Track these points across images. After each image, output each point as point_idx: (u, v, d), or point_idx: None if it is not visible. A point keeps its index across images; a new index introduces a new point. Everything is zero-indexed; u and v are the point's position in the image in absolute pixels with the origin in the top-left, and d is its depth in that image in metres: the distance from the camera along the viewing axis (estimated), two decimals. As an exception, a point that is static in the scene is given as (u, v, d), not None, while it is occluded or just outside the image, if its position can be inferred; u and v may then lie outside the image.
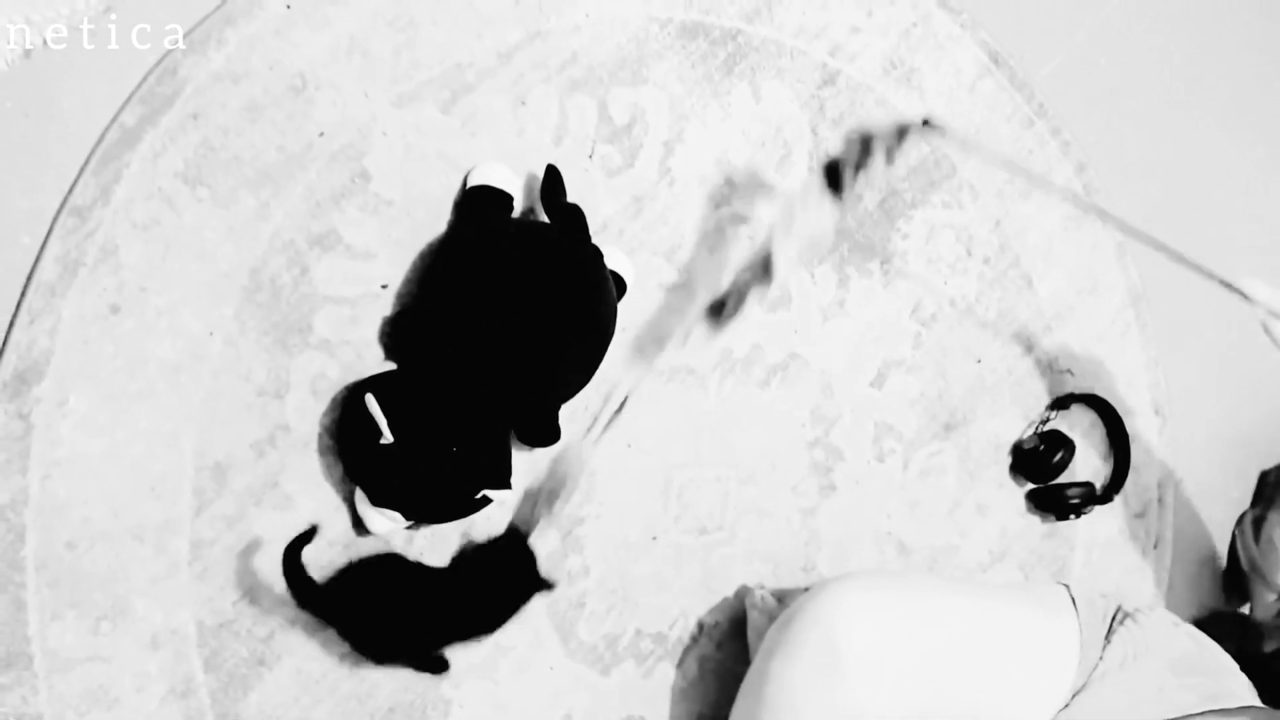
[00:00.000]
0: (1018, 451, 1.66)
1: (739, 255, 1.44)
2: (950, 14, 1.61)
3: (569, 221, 1.29)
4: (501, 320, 1.21)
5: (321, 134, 1.27)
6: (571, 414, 1.36)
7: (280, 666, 1.25)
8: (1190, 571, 1.80)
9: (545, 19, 1.38)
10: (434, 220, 1.32)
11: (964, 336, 1.61)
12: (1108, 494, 1.68)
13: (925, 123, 1.32)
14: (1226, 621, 1.78)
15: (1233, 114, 1.87)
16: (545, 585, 1.28)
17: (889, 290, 1.57)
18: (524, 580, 1.28)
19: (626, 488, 1.41)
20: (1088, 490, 1.64)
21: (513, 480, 1.28)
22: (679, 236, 1.44)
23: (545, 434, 1.31)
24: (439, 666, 1.29)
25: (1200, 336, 1.81)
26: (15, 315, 1.17)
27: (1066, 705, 1.19)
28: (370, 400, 1.17)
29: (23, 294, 1.17)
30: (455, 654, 1.31)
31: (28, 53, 1.17)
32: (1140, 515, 1.74)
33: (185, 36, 1.23)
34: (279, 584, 1.20)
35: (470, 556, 1.30)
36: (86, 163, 1.20)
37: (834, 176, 1.31)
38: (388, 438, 1.17)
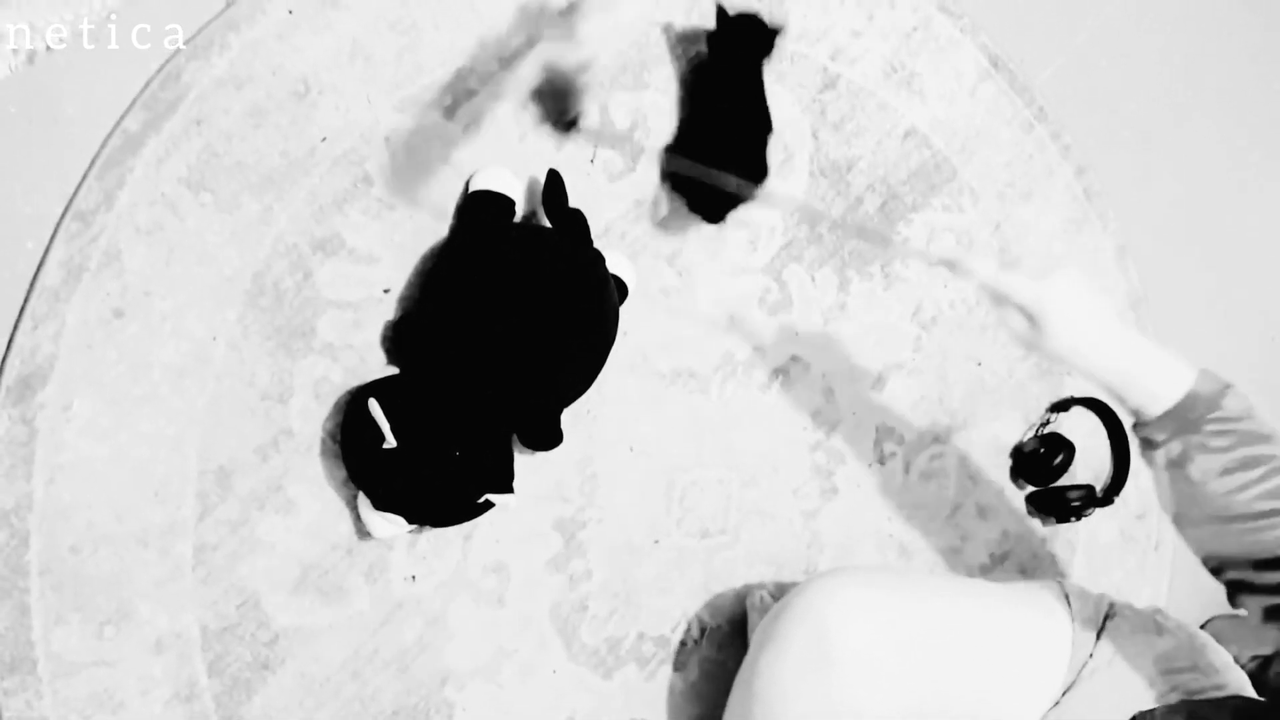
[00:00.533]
0: (1018, 454, 1.66)
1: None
2: (951, 18, 1.62)
3: (571, 226, 1.29)
4: (503, 325, 1.21)
5: (324, 139, 1.27)
6: (574, 416, 1.36)
7: (284, 670, 1.26)
8: (1193, 574, 1.80)
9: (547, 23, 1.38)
10: (437, 224, 1.32)
11: (964, 339, 1.62)
12: (1108, 496, 1.68)
13: None
14: (1229, 624, 1.78)
15: (1233, 116, 1.87)
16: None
17: (889, 294, 1.57)
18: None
19: (629, 491, 1.42)
20: (1088, 493, 1.65)
21: (515, 485, 1.28)
22: (680, 241, 1.44)
23: (548, 437, 1.31)
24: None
25: (1200, 339, 1.81)
26: (19, 320, 1.17)
27: (1057, 703, 1.19)
28: (373, 405, 1.18)
29: (26, 299, 1.18)
30: (459, 659, 1.31)
31: (31, 58, 1.17)
32: (1141, 517, 1.74)
33: (188, 42, 1.24)
34: (281, 588, 1.21)
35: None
36: (90, 168, 1.20)
37: None
38: (390, 442, 1.17)
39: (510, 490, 1.26)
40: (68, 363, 1.18)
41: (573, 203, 1.33)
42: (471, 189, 1.31)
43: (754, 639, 1.25)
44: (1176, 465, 1.06)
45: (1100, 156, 1.73)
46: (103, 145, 1.21)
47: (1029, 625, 1.23)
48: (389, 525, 1.24)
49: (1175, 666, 1.23)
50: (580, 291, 1.25)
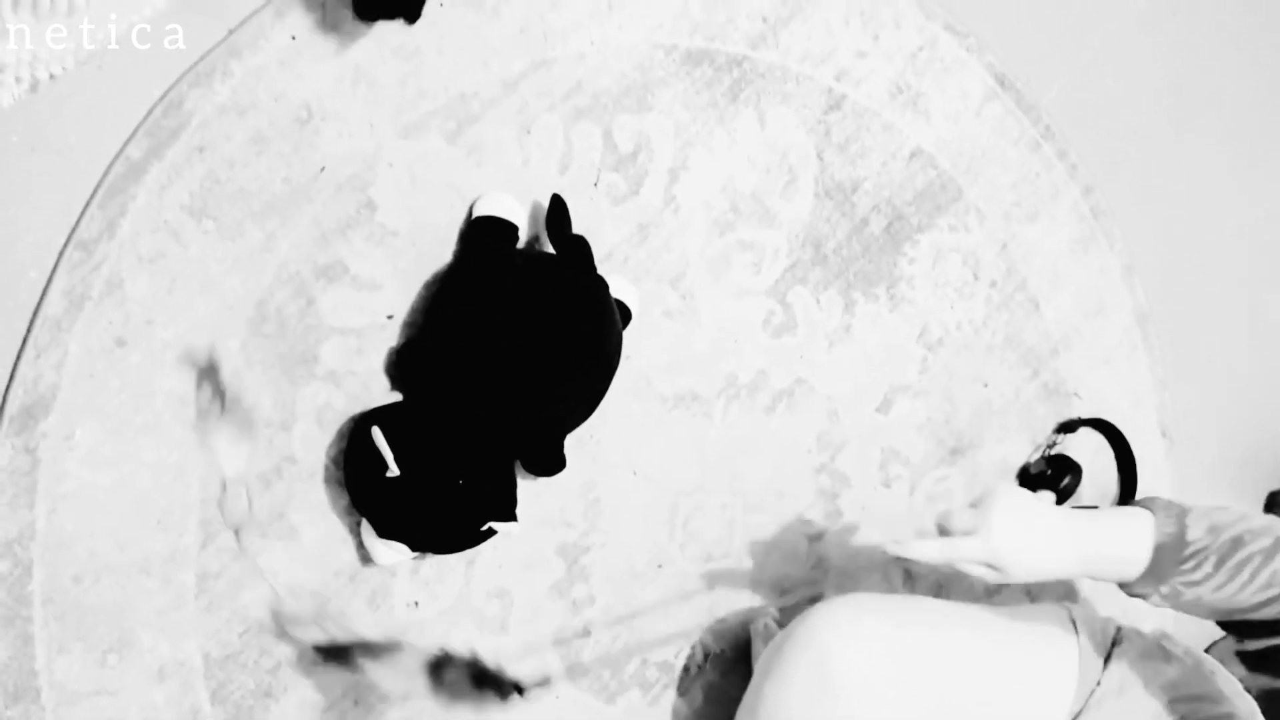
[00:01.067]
0: (1025, 476, 1.65)
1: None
2: (957, 37, 1.61)
3: (574, 252, 1.29)
4: (506, 352, 1.21)
5: (323, 169, 1.27)
6: (577, 441, 1.36)
7: (286, 698, 1.26)
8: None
9: (550, 47, 1.38)
10: (440, 250, 1.32)
11: (971, 361, 1.61)
12: (1115, 518, 1.67)
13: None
14: (1230, 654, 1.77)
15: (1240, 134, 1.86)
16: None
17: (895, 315, 1.56)
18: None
19: (632, 516, 1.41)
20: (1095, 514, 1.64)
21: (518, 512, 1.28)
22: (684, 264, 1.44)
23: (551, 463, 1.30)
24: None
25: (1207, 357, 1.80)
26: (22, 349, 1.18)
27: None
28: (377, 433, 1.17)
29: (29, 328, 1.18)
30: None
31: (34, 86, 1.17)
32: (1148, 538, 1.73)
33: (191, 69, 1.23)
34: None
35: None
36: (93, 196, 1.20)
37: None
38: (394, 471, 1.17)
39: (514, 518, 1.26)
40: (70, 392, 1.18)
41: (576, 226, 1.33)
42: (475, 215, 1.31)
43: (757, 667, 1.25)
44: (1171, 600, 1.12)
45: (1106, 174, 1.72)
46: (105, 173, 1.21)
47: (1035, 652, 1.22)
48: (392, 553, 1.24)
49: (1184, 694, 1.22)
50: (583, 319, 1.25)
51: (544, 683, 1.16)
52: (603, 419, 1.35)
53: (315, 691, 1.27)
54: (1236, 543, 1.08)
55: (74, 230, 1.19)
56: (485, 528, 1.24)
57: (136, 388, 1.20)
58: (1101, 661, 1.24)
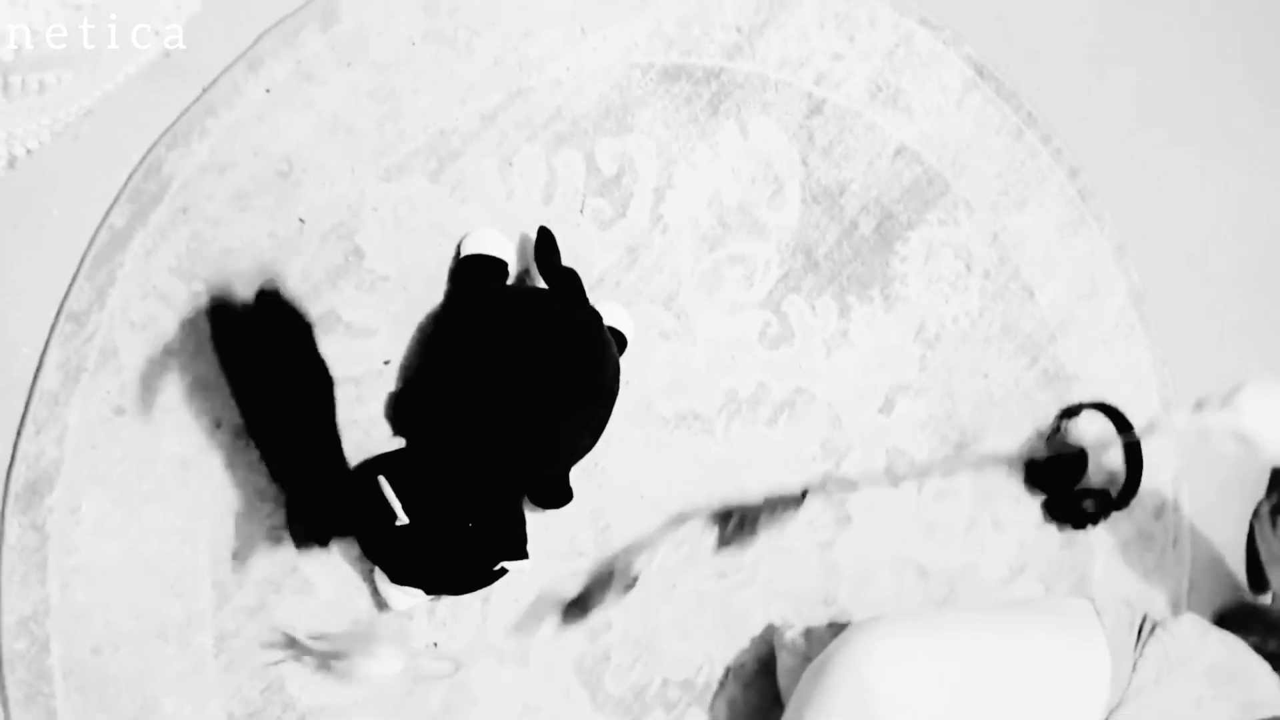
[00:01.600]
0: (1031, 464, 1.66)
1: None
2: (932, 31, 1.60)
3: (565, 286, 1.29)
4: (505, 392, 1.21)
5: (302, 221, 1.26)
6: (582, 471, 1.35)
7: (312, 750, 1.26)
8: (1211, 567, 1.81)
9: (526, 77, 1.37)
10: (431, 291, 1.32)
11: (969, 354, 1.61)
12: (1123, 499, 1.68)
13: (803, 494, 1.45)
14: (1248, 615, 1.78)
15: (1225, 111, 1.86)
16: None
17: (891, 315, 1.56)
18: None
19: (643, 540, 1.41)
20: (1103, 497, 1.64)
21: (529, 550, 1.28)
22: (676, 283, 1.44)
23: (558, 496, 1.31)
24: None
25: (1204, 331, 1.80)
26: (21, 426, 1.17)
27: None
28: (383, 483, 1.17)
29: (27, 405, 1.17)
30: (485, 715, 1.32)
31: (11, 163, 1.17)
32: (1157, 516, 1.74)
33: (169, 130, 1.23)
34: (304, 669, 1.22)
35: None
36: (79, 267, 1.19)
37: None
38: (403, 519, 1.17)
39: (525, 556, 1.26)
40: (73, 465, 1.18)
41: (565, 253, 1.32)
42: (463, 254, 1.31)
43: (794, 697, 1.26)
44: None
45: (1092, 156, 1.72)
46: (90, 243, 1.20)
47: (1066, 652, 1.24)
48: (408, 598, 1.24)
49: (1222, 679, 1.24)
50: (579, 354, 1.25)
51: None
52: (607, 445, 1.35)
53: (341, 740, 1.27)
54: None
55: (63, 302, 1.19)
56: (498, 567, 1.24)
57: (139, 455, 1.20)
58: (1133, 651, 1.25)
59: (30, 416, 1.17)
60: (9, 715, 1.16)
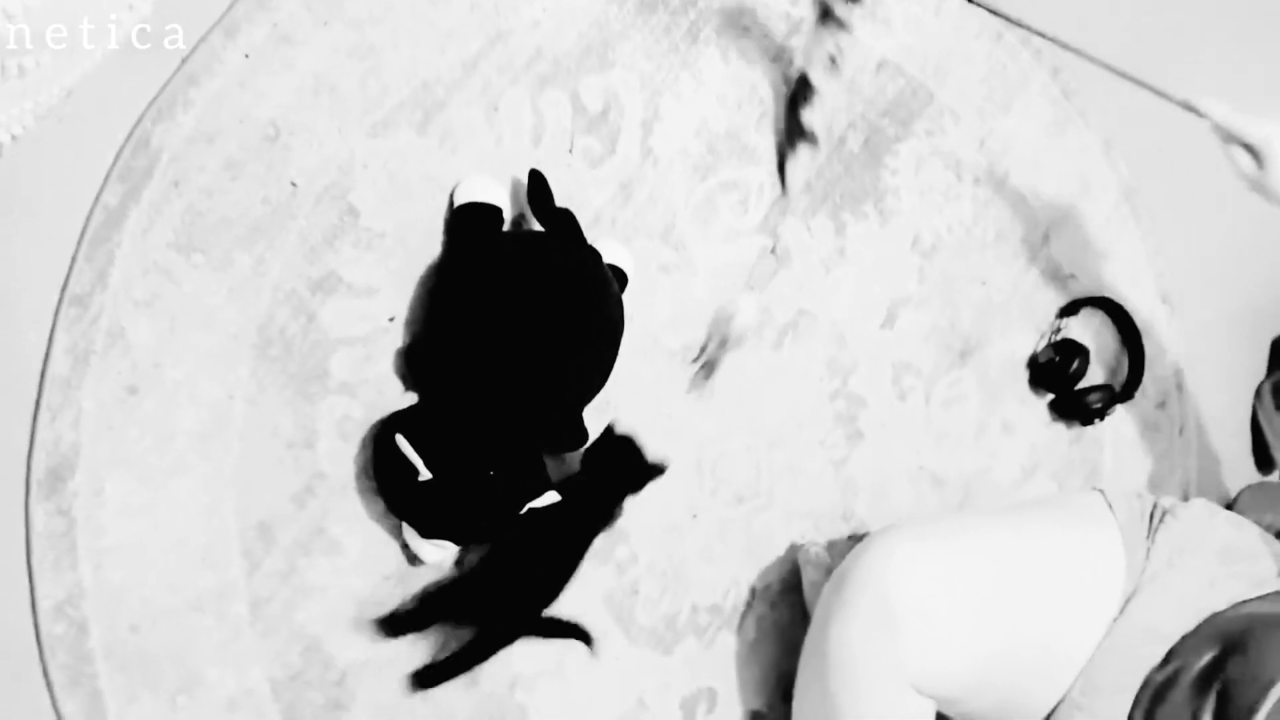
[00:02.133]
0: (1034, 364, 1.67)
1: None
2: (905, -61, 1.59)
3: (561, 227, 1.29)
4: (510, 337, 1.22)
5: (294, 184, 1.26)
6: (594, 411, 1.36)
7: (356, 705, 1.28)
8: (1219, 451, 1.83)
9: (503, 19, 1.36)
10: (429, 244, 1.32)
11: (966, 262, 1.62)
12: (1127, 391, 1.70)
13: None
14: (1258, 495, 1.81)
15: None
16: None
17: (886, 229, 1.57)
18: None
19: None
20: (1108, 391, 1.66)
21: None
22: (671, 215, 1.44)
23: (572, 438, 1.31)
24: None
25: (1194, 217, 1.81)
26: (36, 414, 1.17)
27: (1123, 611, 1.22)
28: (401, 441, 1.18)
29: (40, 391, 1.17)
30: (523, 664, 1.34)
31: (-2, 151, 1.16)
32: (1162, 405, 1.76)
33: (152, 103, 1.22)
34: (340, 627, 1.23)
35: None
36: (77, 250, 1.19)
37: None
38: (425, 475, 1.18)
39: (551, 488, 1.27)
40: (92, 448, 1.18)
41: (558, 195, 1.32)
42: (457, 203, 1.30)
43: (818, 608, 1.27)
44: None
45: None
46: (85, 224, 1.19)
47: (1079, 543, 1.25)
48: (439, 550, 1.25)
49: (1233, 557, 1.26)
50: (581, 293, 1.25)
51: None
52: (616, 384, 1.36)
53: (382, 693, 1.29)
54: None
55: (65, 286, 1.18)
56: (524, 510, 1.26)
57: (157, 432, 1.20)
58: (1145, 539, 1.27)
59: (45, 403, 1.17)
60: (55, 700, 1.17)
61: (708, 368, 1.43)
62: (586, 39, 1.40)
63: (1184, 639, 1.18)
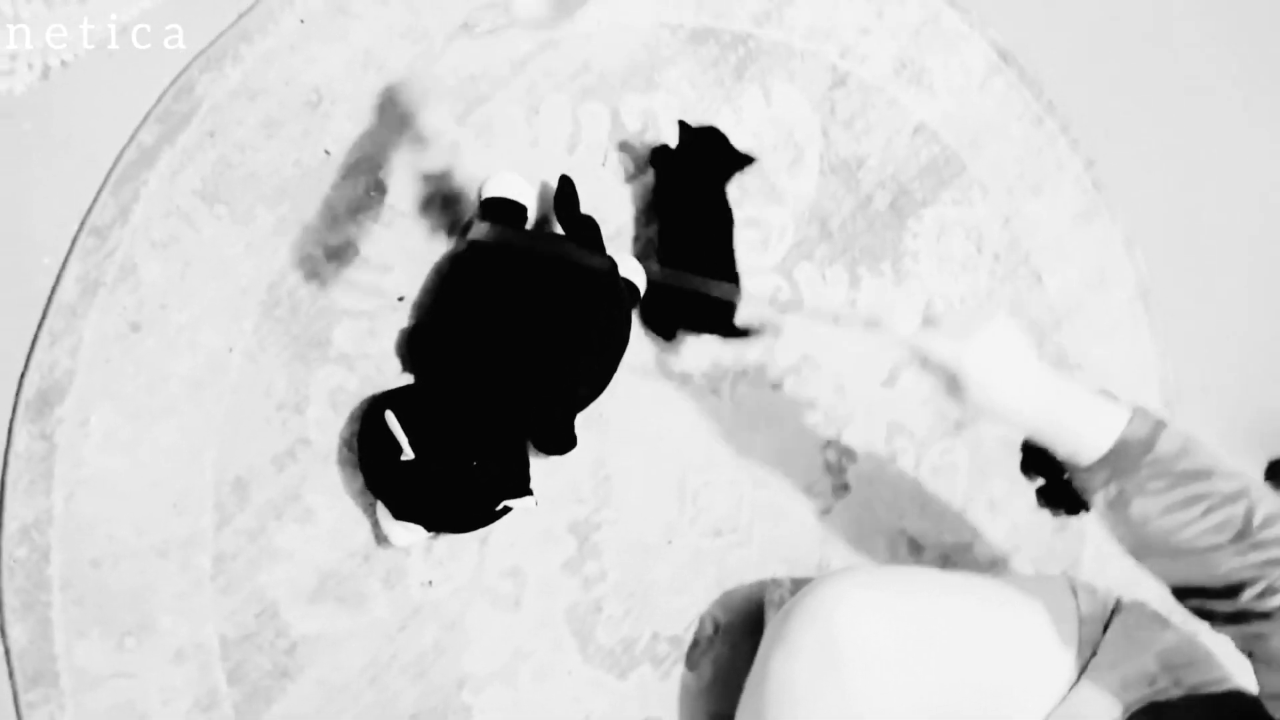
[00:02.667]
0: (1028, 448, 1.66)
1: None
2: (959, 12, 1.61)
3: (583, 233, 1.30)
4: (516, 334, 1.22)
5: (328, 152, 1.27)
6: (587, 419, 1.37)
7: (303, 677, 1.27)
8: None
9: (557, 27, 1.38)
10: (450, 231, 1.33)
11: (975, 335, 1.62)
12: (1117, 487, 1.69)
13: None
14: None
15: (1243, 105, 1.87)
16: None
17: (900, 289, 1.57)
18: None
19: (642, 493, 1.43)
20: (1098, 485, 1.65)
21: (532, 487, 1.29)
22: (692, 242, 1.45)
23: (562, 441, 1.31)
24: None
25: (1206, 327, 1.82)
26: (37, 336, 1.18)
27: (1064, 698, 1.20)
28: (390, 418, 1.18)
29: (44, 315, 1.18)
30: (476, 663, 1.33)
31: (45, 74, 1.17)
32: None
33: (202, 53, 1.23)
34: (300, 596, 1.22)
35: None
36: (105, 182, 1.20)
37: None
38: (409, 454, 1.18)
39: (529, 493, 1.27)
40: (86, 378, 1.19)
41: (585, 204, 1.33)
42: (484, 196, 1.31)
43: (764, 640, 1.26)
44: (1116, 507, 1.06)
45: (1109, 147, 1.73)
46: (117, 159, 1.21)
47: (1037, 620, 1.24)
48: (408, 534, 1.25)
49: (1178, 661, 1.24)
50: (592, 300, 1.26)
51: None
52: (612, 397, 1.36)
53: (332, 671, 1.28)
54: (1199, 476, 1.01)
55: (87, 216, 1.19)
56: (500, 506, 1.25)
57: (152, 372, 1.21)
58: (1101, 629, 1.26)
59: (46, 327, 1.18)
60: (4, 622, 1.17)
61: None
62: (635, 59, 1.42)
63: None
